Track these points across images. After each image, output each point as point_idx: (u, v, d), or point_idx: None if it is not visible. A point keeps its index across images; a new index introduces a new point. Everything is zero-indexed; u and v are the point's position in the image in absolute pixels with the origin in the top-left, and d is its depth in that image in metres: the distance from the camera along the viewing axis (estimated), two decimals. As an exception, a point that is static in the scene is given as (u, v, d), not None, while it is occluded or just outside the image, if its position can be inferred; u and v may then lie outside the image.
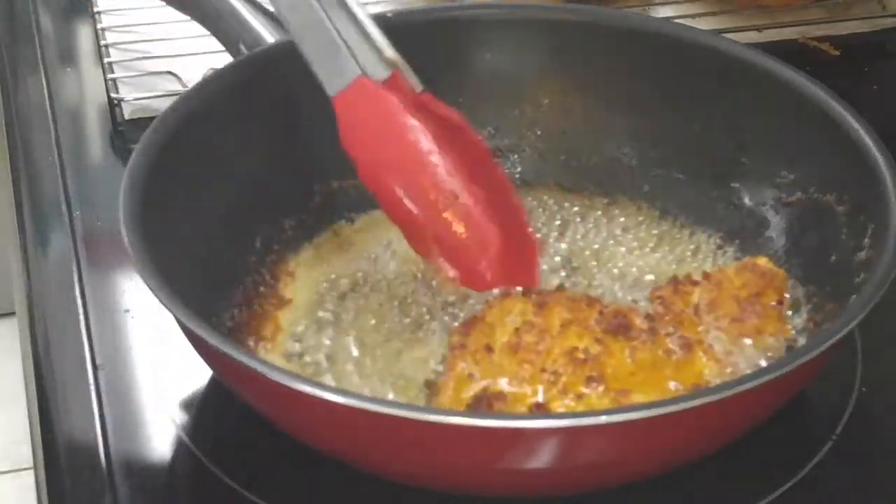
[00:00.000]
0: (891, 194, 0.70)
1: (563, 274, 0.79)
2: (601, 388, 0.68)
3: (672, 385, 0.68)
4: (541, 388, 0.68)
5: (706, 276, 0.75)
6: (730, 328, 0.72)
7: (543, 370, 0.69)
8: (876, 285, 0.66)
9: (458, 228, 0.75)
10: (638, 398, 0.67)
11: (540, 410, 0.67)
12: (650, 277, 0.79)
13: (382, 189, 0.75)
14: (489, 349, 0.70)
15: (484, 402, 0.67)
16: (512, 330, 0.71)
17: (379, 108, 0.74)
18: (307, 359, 0.73)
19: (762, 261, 0.75)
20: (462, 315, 0.75)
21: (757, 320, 0.72)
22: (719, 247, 0.80)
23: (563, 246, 0.81)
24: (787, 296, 0.74)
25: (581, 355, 0.69)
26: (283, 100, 0.80)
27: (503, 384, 0.68)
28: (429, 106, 0.75)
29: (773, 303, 0.73)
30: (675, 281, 0.75)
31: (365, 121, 0.74)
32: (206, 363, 0.68)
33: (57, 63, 1.01)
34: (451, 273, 0.75)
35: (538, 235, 0.80)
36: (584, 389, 0.68)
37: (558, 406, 0.67)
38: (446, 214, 0.75)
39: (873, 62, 1.04)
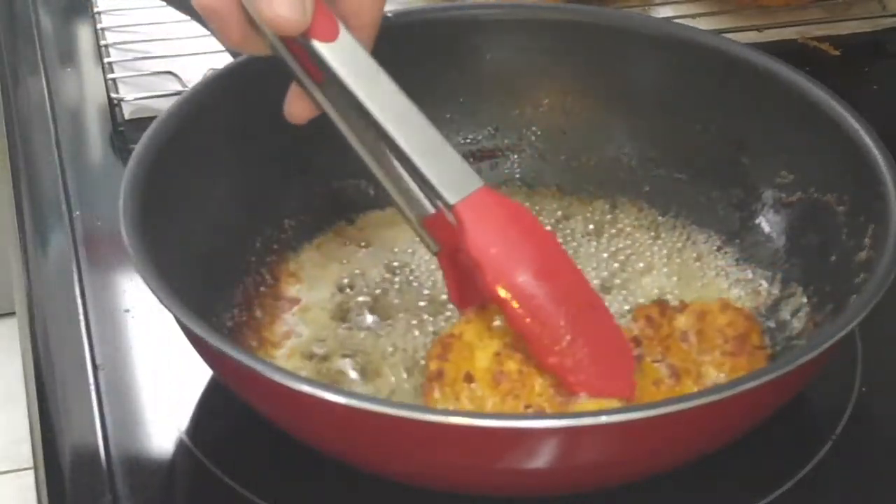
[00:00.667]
0: (891, 194, 0.70)
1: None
2: None
3: None
4: None
5: (684, 305, 0.73)
6: (721, 362, 0.71)
7: (528, 406, 0.67)
8: (876, 285, 0.65)
9: (594, 338, 0.69)
10: None
11: None
12: (650, 278, 0.79)
13: (511, 299, 0.68)
14: (469, 379, 0.68)
15: None
16: (492, 354, 0.68)
17: (508, 215, 0.70)
18: (332, 364, 0.73)
19: (739, 305, 0.74)
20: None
21: (747, 361, 0.71)
22: (719, 248, 0.80)
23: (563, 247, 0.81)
24: (766, 344, 0.73)
25: (566, 389, 0.68)
26: (283, 99, 0.80)
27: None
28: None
29: (757, 347, 0.72)
30: (660, 303, 0.73)
31: (493, 228, 0.69)
32: (206, 363, 0.68)
33: (57, 63, 1.01)
34: (580, 386, 0.68)
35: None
36: None
37: None
38: (582, 324, 0.69)
39: (873, 62, 1.04)
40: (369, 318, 0.76)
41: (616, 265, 0.80)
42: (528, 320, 0.68)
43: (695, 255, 0.80)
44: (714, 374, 0.70)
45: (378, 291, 0.78)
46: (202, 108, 0.76)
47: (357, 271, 0.79)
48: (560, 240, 0.81)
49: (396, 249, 0.80)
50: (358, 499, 0.68)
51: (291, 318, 0.76)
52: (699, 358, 0.71)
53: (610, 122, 0.85)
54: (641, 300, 0.77)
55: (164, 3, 0.94)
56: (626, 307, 0.77)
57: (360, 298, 0.77)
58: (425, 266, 0.79)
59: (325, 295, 0.77)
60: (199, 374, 0.73)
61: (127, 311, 0.78)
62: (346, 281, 0.78)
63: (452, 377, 0.68)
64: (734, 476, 0.69)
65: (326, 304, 0.77)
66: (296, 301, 0.77)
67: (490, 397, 0.67)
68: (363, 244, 0.81)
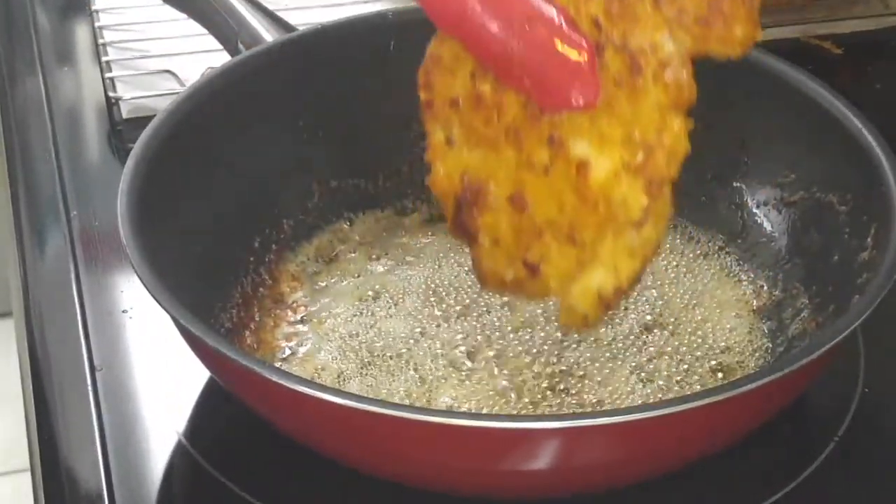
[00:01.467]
0: (894, 194, 0.70)
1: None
2: (566, 150, 0.65)
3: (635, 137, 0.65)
4: (510, 159, 0.66)
5: None
6: (695, 32, 0.66)
7: (507, 132, 0.66)
8: (879, 285, 0.65)
9: (547, 51, 0.66)
10: (599, 166, 0.64)
11: (518, 203, 0.66)
12: (649, 278, 0.78)
13: (460, 22, 0.68)
14: (454, 104, 0.67)
15: (466, 208, 0.67)
16: (468, 75, 0.68)
17: None
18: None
19: None
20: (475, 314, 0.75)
21: (723, 28, 0.66)
22: (721, 248, 0.80)
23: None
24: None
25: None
26: (282, 98, 0.79)
27: (479, 163, 0.67)
28: None
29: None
30: None
31: None
32: (203, 364, 0.68)
33: (54, 62, 1.00)
34: (545, 100, 0.66)
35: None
36: (545, 158, 0.65)
37: (537, 194, 0.65)
38: (531, 39, 0.66)
39: (876, 61, 1.04)
40: (389, 330, 0.76)
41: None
42: (478, 50, 0.67)
43: (697, 255, 0.80)
44: (678, 57, 0.66)
45: (398, 306, 0.77)
46: (200, 107, 0.76)
47: (377, 286, 0.79)
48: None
49: (389, 250, 0.80)
50: (357, 500, 0.68)
51: (296, 324, 0.76)
52: (670, 26, 0.66)
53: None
54: (645, 301, 0.77)
55: (163, 2, 0.94)
56: (636, 306, 0.76)
57: (383, 311, 0.77)
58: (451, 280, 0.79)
59: (316, 294, 0.77)
60: (198, 376, 0.73)
61: (125, 311, 0.78)
62: (370, 293, 0.78)
63: (440, 106, 0.68)
64: (736, 478, 0.69)
65: (344, 315, 0.76)
66: (299, 304, 0.77)
67: (476, 121, 0.67)
68: (362, 244, 0.81)
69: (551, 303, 0.76)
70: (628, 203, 0.64)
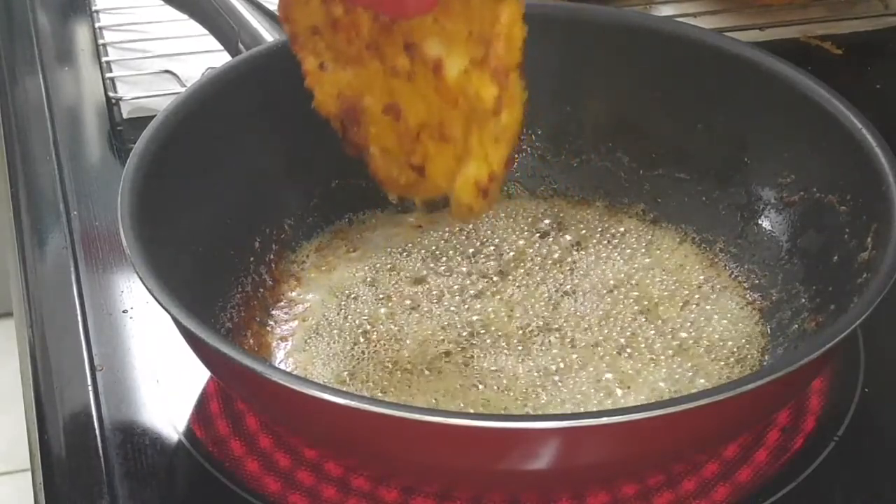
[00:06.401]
0: (893, 194, 0.70)
1: (561, 273, 0.79)
2: (422, 53, 0.69)
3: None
4: (378, 71, 0.70)
5: None
6: None
7: (369, 46, 0.70)
8: (878, 285, 0.65)
9: None
10: (452, 64, 0.68)
11: (393, 111, 0.71)
12: (649, 276, 0.79)
13: None
14: (316, 31, 0.72)
15: (350, 124, 0.73)
16: (319, 2, 0.72)
17: None
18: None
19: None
20: (467, 311, 0.75)
21: None
22: (721, 248, 0.80)
23: (562, 246, 0.81)
24: None
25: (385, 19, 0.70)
26: (282, 99, 0.79)
27: (353, 81, 0.72)
28: None
29: None
30: None
31: None
32: (203, 364, 0.68)
33: (55, 62, 1.00)
34: (389, 11, 0.70)
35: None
36: (406, 64, 0.69)
37: (407, 100, 0.70)
38: None
39: (875, 61, 1.04)
40: (391, 330, 0.76)
41: (614, 263, 0.79)
42: None
43: (696, 254, 0.80)
44: None
45: (389, 301, 0.77)
46: (201, 108, 0.76)
47: (349, 272, 0.79)
48: (557, 237, 0.81)
49: (388, 250, 0.80)
50: (357, 500, 0.68)
51: (297, 324, 0.76)
52: None
53: (611, 122, 0.84)
54: (645, 302, 0.77)
55: (163, 2, 0.94)
56: (636, 307, 0.77)
57: (383, 310, 0.77)
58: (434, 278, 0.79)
59: (315, 295, 0.77)
60: (198, 376, 0.73)
61: (125, 311, 0.78)
62: (370, 293, 0.78)
63: (304, 36, 0.73)
64: (737, 477, 0.69)
65: (345, 315, 0.77)
66: (299, 305, 0.77)
67: (339, 42, 0.72)
68: (362, 244, 0.81)
69: (553, 303, 0.76)
70: (481, 95, 0.68)
